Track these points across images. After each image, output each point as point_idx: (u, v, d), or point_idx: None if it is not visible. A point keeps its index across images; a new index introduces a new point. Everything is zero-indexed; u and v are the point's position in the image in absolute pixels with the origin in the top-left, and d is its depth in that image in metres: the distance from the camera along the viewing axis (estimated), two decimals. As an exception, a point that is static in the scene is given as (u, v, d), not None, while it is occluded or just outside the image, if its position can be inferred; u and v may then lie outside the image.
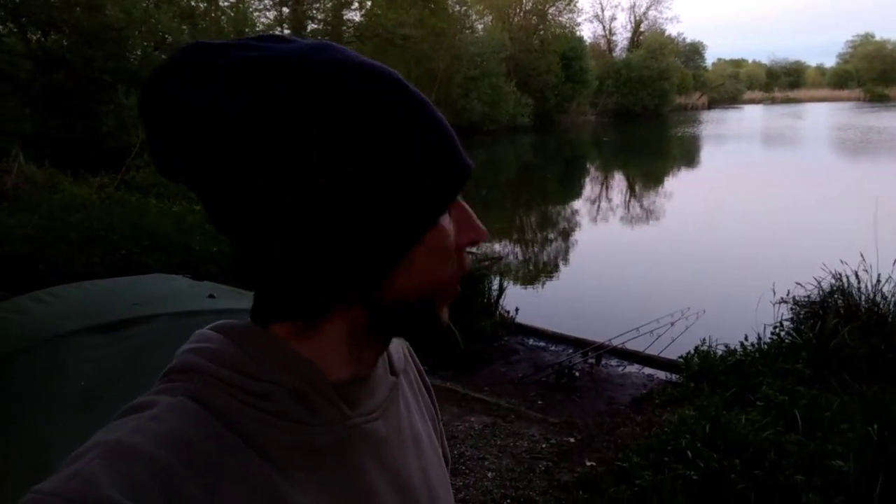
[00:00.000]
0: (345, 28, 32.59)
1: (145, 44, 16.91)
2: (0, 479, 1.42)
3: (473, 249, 0.67)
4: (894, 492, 2.65)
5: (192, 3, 20.46)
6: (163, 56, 16.36)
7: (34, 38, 14.79)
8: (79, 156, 11.82)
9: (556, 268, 10.53)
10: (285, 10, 31.19)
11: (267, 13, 29.43)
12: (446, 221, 0.56)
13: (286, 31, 31.57)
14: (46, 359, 1.62)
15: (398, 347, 0.71)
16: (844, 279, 5.12)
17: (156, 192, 10.42)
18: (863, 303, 4.92)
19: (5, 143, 11.20)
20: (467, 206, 0.59)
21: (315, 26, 32.17)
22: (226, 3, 23.28)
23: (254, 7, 28.02)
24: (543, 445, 4.00)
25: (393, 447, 0.61)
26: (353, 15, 32.74)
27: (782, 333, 5.09)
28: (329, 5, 31.44)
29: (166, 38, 17.21)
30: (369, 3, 33.02)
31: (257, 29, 27.89)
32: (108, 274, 4.85)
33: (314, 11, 32.01)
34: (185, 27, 18.85)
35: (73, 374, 1.62)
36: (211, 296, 2.09)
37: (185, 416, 0.49)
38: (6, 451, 1.46)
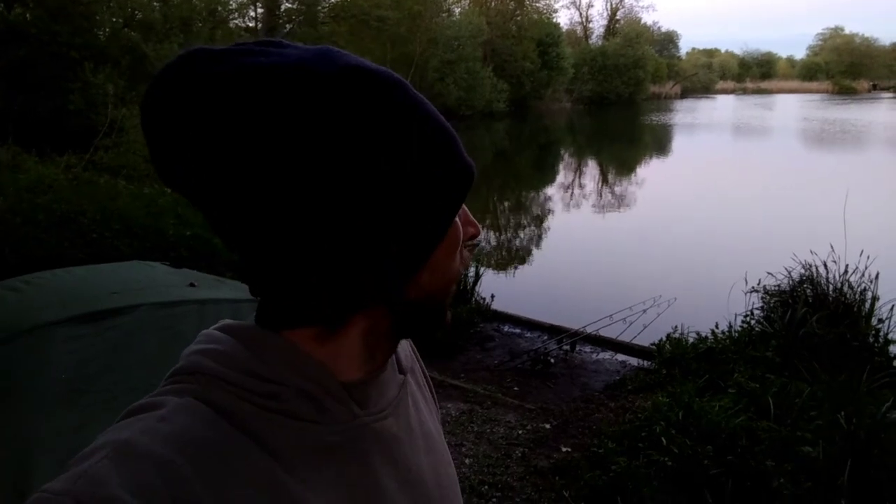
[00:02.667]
0: (320, 8, 32.10)
1: (114, 20, 16.46)
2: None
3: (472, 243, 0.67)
4: (862, 477, 2.73)
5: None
6: (132, 33, 16.02)
7: (-5, 11, 14.29)
8: (44, 134, 11.49)
9: (530, 254, 10.60)
10: (259, -12, 30.54)
11: (240, -9, 28.72)
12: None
13: (260, 11, 31.00)
14: (28, 350, 1.58)
15: (405, 345, 0.71)
16: (813, 269, 5.24)
17: (125, 173, 10.20)
18: (831, 292, 5.04)
19: (-34, 120, 10.85)
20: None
21: (289, 6, 31.63)
22: (198, -20, 22.70)
23: (226, -15, 27.32)
24: (520, 432, 4.04)
25: (403, 445, 0.61)
26: (329, -5, 32.21)
27: (752, 322, 5.19)
28: (304, -15, 30.86)
29: (136, 13, 16.78)
30: (346, -17, 32.48)
31: (230, 7, 27.34)
32: (78, 259, 4.74)
33: (289, -9, 31.41)
34: (156, 3, 18.39)
35: (55, 367, 1.58)
36: (192, 284, 2.06)
37: (193, 417, 0.49)
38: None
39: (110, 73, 14.25)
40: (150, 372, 1.44)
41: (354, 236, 0.50)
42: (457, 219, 0.58)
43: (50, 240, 5.23)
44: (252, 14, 31.19)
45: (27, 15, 14.19)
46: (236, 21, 29.10)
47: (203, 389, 0.52)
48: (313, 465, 0.53)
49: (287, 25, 30.76)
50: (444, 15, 35.78)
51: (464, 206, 0.59)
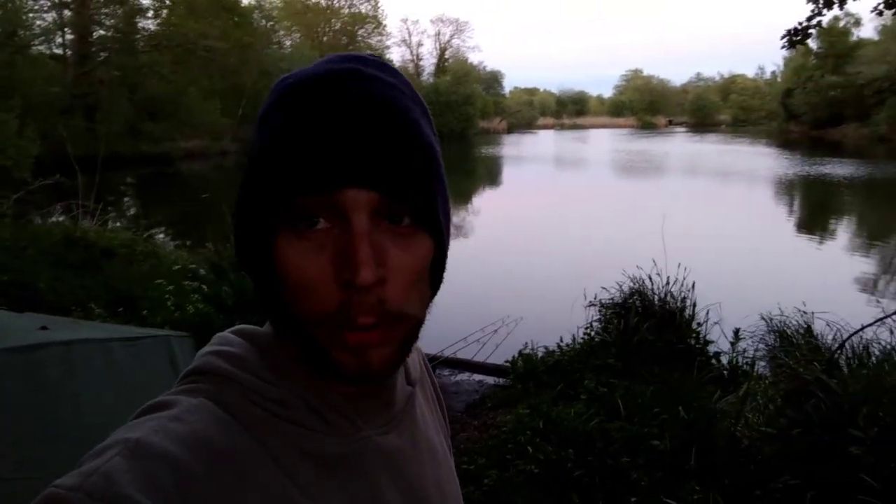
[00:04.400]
0: (139, 36, 30.29)
1: None
2: None
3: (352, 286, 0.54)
4: (705, 462, 3.06)
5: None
6: None
7: None
8: None
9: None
10: (67, 13, 28.20)
11: (44, 15, 26.34)
12: (301, 243, 0.50)
13: (69, 37, 28.57)
14: None
15: (414, 358, 0.69)
16: (640, 282, 5.81)
17: None
18: (657, 302, 5.61)
19: None
20: (361, 240, 0.48)
21: (103, 33, 29.48)
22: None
23: (28, 8, 24.96)
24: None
25: (407, 459, 0.60)
26: (150, 23, 30.56)
27: (593, 333, 5.63)
28: (120, 11, 29.00)
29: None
30: (165, 12, 31.06)
31: (33, 31, 24.95)
32: None
33: (102, 17, 29.33)
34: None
35: None
36: (44, 328, 1.84)
37: (205, 417, 0.50)
38: None
39: None
40: (17, 420, 1.28)
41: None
42: (302, 244, 0.50)
43: None
44: (60, 40, 28.64)
45: None
46: (40, 48, 26.60)
47: (216, 390, 0.52)
48: (316, 475, 0.52)
49: (101, 53, 28.63)
50: (275, 47, 35.30)
51: (360, 244, 0.48)
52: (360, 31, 42.15)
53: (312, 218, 0.49)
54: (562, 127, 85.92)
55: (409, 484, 0.59)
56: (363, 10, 43.33)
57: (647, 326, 5.20)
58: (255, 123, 0.55)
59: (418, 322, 0.54)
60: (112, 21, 29.17)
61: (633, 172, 27.79)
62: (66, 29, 28.11)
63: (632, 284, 5.88)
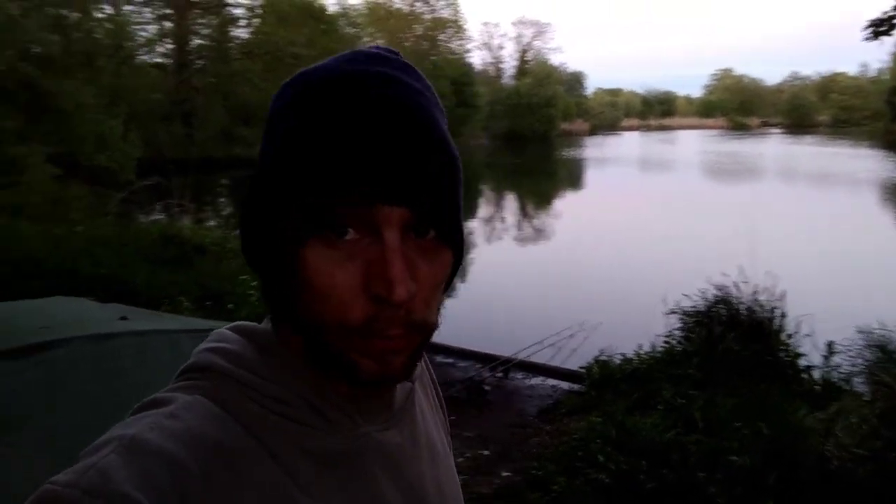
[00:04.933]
0: (231, 45, 31.72)
1: (9, 52, 15.63)
2: None
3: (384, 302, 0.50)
4: (787, 481, 2.89)
5: (64, 13, 19.16)
6: (29, 67, 15.25)
7: None
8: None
9: (456, 286, 10.68)
10: (168, 24, 29.90)
11: (148, 27, 28.04)
12: (331, 249, 0.49)
13: (169, 47, 30.29)
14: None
15: None
16: (726, 290, 5.55)
17: (28, 212, 9.62)
18: (743, 311, 5.34)
19: None
20: (395, 256, 0.48)
21: (200, 42, 31.08)
22: (101, 15, 21.96)
23: (133, 21, 26.61)
24: (460, 459, 4.02)
25: (407, 456, 0.60)
26: (242, 32, 31.96)
27: (674, 342, 5.43)
28: (216, 22, 30.49)
29: (32, 48, 16.02)
30: (258, 21, 32.39)
31: (138, 42, 26.58)
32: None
33: (199, 27, 30.94)
34: (56, 37, 17.63)
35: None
36: (123, 318, 1.96)
37: (201, 414, 0.49)
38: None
39: (6, 110, 13.50)
40: (91, 408, 1.35)
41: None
42: (332, 249, 0.49)
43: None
44: (161, 50, 30.38)
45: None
46: (143, 57, 28.29)
47: (212, 387, 0.52)
48: (316, 472, 0.52)
49: (198, 62, 30.20)
50: (359, 53, 36.11)
51: (393, 257, 0.48)
52: (441, 36, 42.55)
53: (344, 227, 0.49)
54: (647, 128, 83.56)
55: (408, 481, 0.59)
56: (445, 15, 43.75)
57: (732, 336, 4.97)
58: (270, 120, 0.54)
59: (435, 328, 0.54)
60: (208, 31, 30.70)
61: (723, 175, 26.66)
62: (165, 38, 29.80)
63: (716, 292, 5.63)
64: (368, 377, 0.51)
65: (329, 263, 0.49)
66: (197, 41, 30.75)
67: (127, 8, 25.16)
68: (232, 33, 31.53)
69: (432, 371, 0.76)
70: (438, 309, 0.55)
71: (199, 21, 30.12)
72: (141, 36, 27.33)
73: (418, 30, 42.63)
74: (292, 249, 0.50)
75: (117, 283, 5.22)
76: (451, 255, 0.55)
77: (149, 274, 6.09)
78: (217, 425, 0.49)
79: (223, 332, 0.57)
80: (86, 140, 14.88)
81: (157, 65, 29.83)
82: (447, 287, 0.57)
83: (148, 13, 27.64)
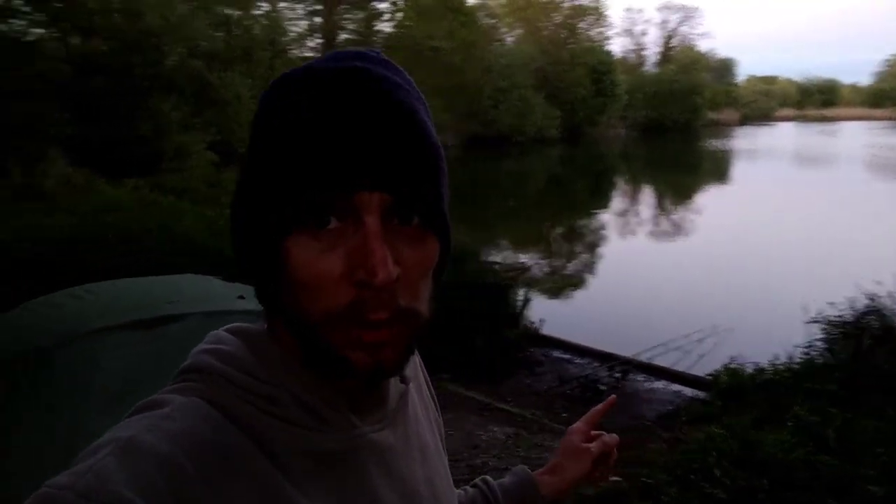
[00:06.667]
0: (375, 39, 32.89)
1: (181, 50, 17.26)
2: (38, 468, 1.45)
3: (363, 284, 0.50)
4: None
5: (227, 12, 20.83)
6: (196, 62, 16.75)
7: (74, 42, 15.17)
8: (112, 159, 12.08)
9: (582, 280, 10.45)
10: (317, 19, 31.53)
11: (300, 22, 29.77)
12: (315, 242, 0.50)
13: (318, 41, 31.98)
14: (80, 354, 1.65)
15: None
16: (878, 300, 5.02)
17: (189, 196, 10.62)
18: (898, 324, 4.81)
19: (45, 145, 11.50)
20: (377, 240, 0.49)
21: (347, 36, 32.53)
22: (259, 13, 23.65)
23: (287, 16, 28.35)
24: (567, 459, 3.96)
25: (400, 456, 0.60)
26: (385, 26, 33.04)
27: (814, 353, 4.99)
28: (361, 16, 31.78)
29: (199, 44, 17.55)
30: (400, 15, 33.30)
31: (290, 37, 28.26)
32: (141, 273, 4.94)
33: (346, 22, 32.36)
34: (219, 34, 19.21)
35: (105, 370, 1.64)
36: (241, 297, 2.11)
37: (196, 416, 0.50)
38: (46, 443, 1.49)
39: (176, 102, 14.93)
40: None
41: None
42: (316, 243, 0.50)
43: (116, 257, 5.47)
44: (311, 44, 32.11)
45: (103, 47, 15.02)
46: (295, 51, 30.05)
47: (208, 388, 0.52)
48: (311, 472, 0.53)
49: (343, 55, 31.68)
50: (497, 43, 36.17)
51: (375, 242, 0.49)
52: (581, 24, 41.46)
53: (324, 217, 0.50)
54: (805, 119, 76.66)
55: (401, 481, 0.59)
56: (585, 3, 42.60)
57: (882, 351, 4.48)
58: (255, 119, 0.55)
59: (426, 321, 0.54)
60: (353, 25, 32.06)
61: (889, 172, 23.91)
62: (315, 34, 31.49)
63: (868, 301, 5.10)
64: (360, 371, 0.51)
65: (312, 254, 0.49)
66: (343, 36, 32.24)
67: (281, 5, 26.80)
68: (376, 27, 32.70)
69: (426, 372, 0.76)
70: (430, 300, 0.54)
71: (346, 16, 31.52)
72: (293, 31, 29.08)
73: (557, 18, 41.80)
74: (277, 243, 0.51)
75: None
76: (438, 243, 0.54)
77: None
78: (212, 426, 0.49)
79: (219, 334, 0.58)
80: (241, 128, 16.13)
81: (307, 58, 31.61)
82: (438, 278, 0.56)
83: (300, 9, 29.30)
